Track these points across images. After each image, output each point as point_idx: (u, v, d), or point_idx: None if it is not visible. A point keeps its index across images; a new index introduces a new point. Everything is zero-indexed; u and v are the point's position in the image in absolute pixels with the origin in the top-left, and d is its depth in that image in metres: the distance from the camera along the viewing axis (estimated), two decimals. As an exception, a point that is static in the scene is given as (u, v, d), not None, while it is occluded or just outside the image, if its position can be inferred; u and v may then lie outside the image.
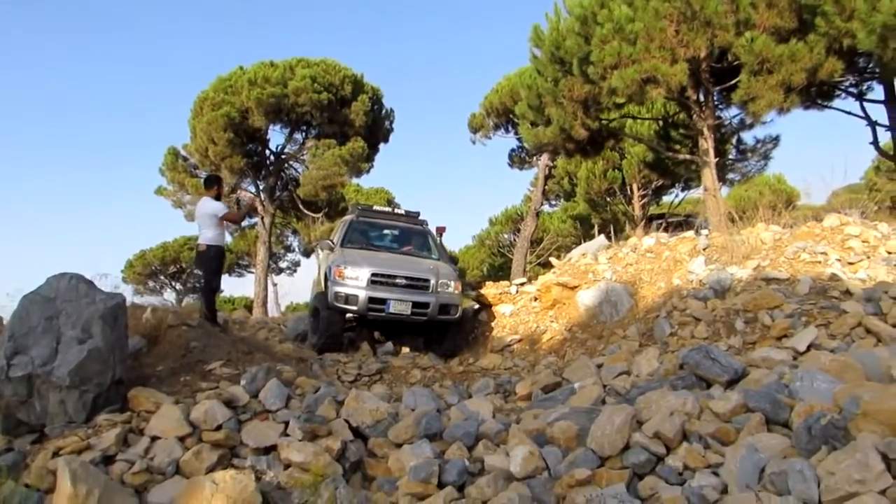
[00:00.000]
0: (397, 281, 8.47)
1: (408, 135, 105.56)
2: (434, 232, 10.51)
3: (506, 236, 28.28)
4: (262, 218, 20.26)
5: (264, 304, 20.26)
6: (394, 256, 9.41)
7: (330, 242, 9.63)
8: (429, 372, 7.60)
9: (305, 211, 21.36)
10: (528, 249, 20.66)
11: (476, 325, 9.85)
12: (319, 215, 21.95)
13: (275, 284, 27.37)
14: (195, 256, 7.51)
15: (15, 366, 4.32)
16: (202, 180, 9.26)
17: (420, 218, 10.69)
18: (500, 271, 25.97)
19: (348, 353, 8.31)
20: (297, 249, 31.36)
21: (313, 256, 29.94)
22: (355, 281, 8.30)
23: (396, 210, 10.82)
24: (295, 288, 45.98)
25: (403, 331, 9.28)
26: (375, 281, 8.35)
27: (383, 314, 8.34)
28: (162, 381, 5.15)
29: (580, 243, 19.60)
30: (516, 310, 9.71)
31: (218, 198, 7.69)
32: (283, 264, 31.71)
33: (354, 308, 8.26)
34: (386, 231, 10.42)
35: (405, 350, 9.04)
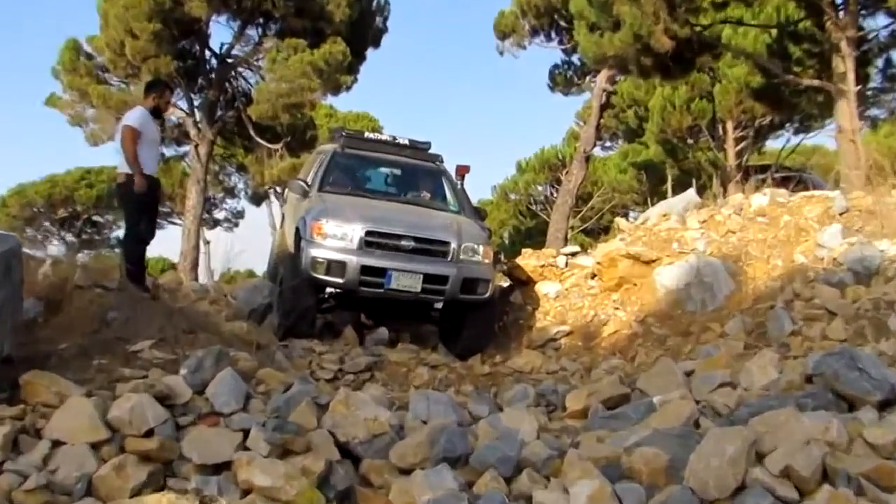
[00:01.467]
0: (402, 243, 8.29)
1: (404, 43, 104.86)
2: (452, 173, 10.42)
3: (540, 188, 28.35)
4: (196, 146, 20.13)
5: (194, 267, 20.20)
6: (396, 207, 9.30)
7: (303, 184, 9.43)
8: (441, 372, 7.58)
9: (258, 139, 21.20)
10: (572, 209, 20.61)
11: (507, 309, 9.81)
12: (278, 146, 21.81)
13: (207, 242, 27.37)
14: (114, 189, 7.46)
15: None
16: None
17: (432, 152, 10.53)
18: (529, 238, 25.96)
19: (324, 341, 8.25)
20: (242, 194, 31.46)
21: (265, 204, 29.96)
22: (342, 242, 8.11)
23: (398, 139, 10.51)
24: (237, 248, 45.87)
25: (404, 313, 9.22)
26: (371, 242, 8.19)
27: (381, 290, 8.17)
28: (67, 364, 5.10)
29: (646, 202, 19.57)
30: (564, 290, 9.69)
31: (157, 112, 7.61)
32: (220, 214, 31.95)
33: (340, 281, 8.09)
34: (384, 169, 10.30)
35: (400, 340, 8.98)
